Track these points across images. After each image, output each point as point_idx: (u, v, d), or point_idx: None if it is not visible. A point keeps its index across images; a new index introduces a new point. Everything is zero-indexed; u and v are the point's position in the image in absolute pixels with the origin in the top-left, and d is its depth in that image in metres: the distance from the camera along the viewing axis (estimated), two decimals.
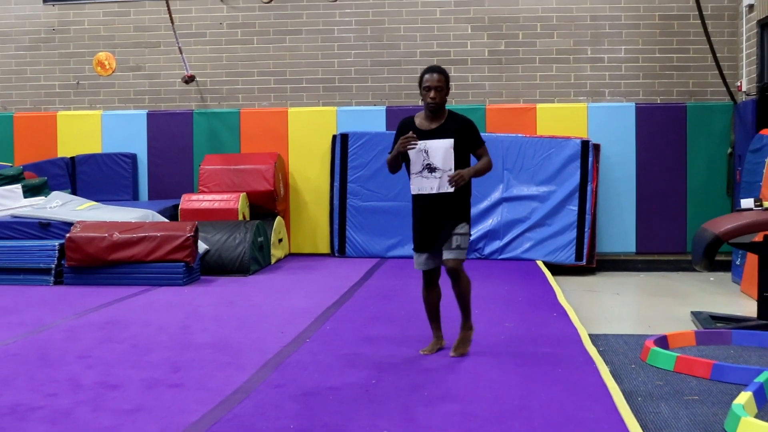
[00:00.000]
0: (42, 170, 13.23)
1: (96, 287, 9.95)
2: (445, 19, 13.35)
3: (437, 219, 6.27)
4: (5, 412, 4.88)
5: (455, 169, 6.17)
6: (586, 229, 12.18)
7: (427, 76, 6.30)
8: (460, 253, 6.26)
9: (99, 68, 13.18)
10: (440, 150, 6.20)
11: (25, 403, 5.07)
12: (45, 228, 10.79)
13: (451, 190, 6.16)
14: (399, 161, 6.38)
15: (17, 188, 12.05)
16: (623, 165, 12.76)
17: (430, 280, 6.45)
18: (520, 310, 8.29)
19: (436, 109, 6.30)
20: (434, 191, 6.22)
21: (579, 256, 12.18)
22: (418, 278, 10.03)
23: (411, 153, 6.22)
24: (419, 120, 6.40)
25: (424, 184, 6.24)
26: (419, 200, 6.34)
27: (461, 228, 6.27)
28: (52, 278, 10.26)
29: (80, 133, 13.76)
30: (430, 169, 6.20)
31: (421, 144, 6.20)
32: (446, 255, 6.26)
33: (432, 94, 6.25)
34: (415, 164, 6.26)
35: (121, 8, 14.09)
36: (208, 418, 4.76)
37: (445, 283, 6.39)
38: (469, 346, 6.41)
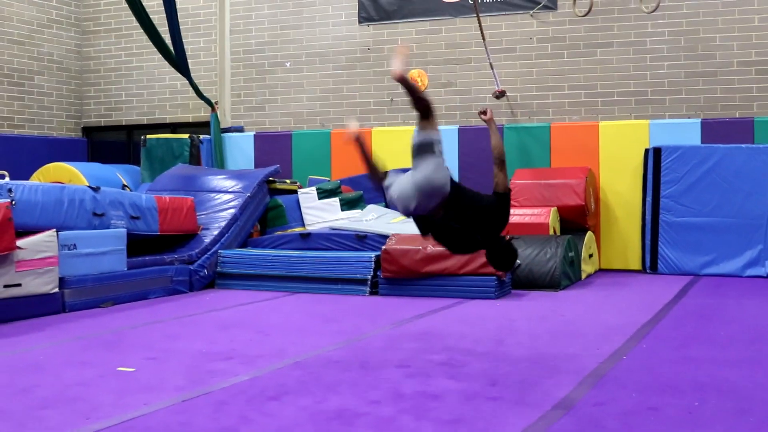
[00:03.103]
0: (358, 184, 13.71)
1: (410, 298, 10.22)
2: (764, 27, 12.74)
3: None
4: (332, 417, 5.07)
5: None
6: None
7: None
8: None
9: None
10: None
11: (351, 408, 5.25)
12: (361, 240, 11.20)
13: None
14: None
15: (335, 202, 12.67)
16: None
17: None
18: None
19: None
20: None
21: None
22: (737, 298, 9.67)
23: None
24: None
25: None
26: None
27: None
28: (368, 288, 10.61)
29: (394, 148, 14.12)
30: None
31: None
32: None
33: None
34: None
35: (432, 26, 14.42)
36: None
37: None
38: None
